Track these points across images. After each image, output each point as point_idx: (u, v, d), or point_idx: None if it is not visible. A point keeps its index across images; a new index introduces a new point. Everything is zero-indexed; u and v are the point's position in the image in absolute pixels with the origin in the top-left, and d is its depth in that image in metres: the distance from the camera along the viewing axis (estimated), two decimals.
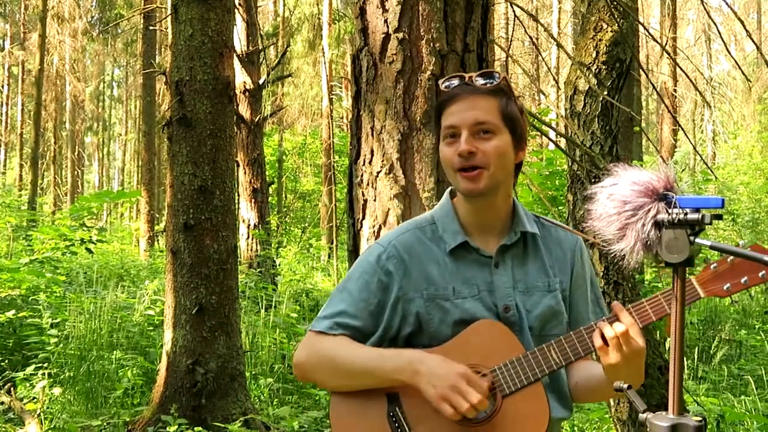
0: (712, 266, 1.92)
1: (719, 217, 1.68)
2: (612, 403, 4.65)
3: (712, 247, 1.68)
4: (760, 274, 1.89)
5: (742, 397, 6.86)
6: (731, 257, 1.91)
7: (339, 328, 2.06)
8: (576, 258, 2.16)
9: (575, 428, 6.20)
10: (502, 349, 1.95)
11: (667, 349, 7.12)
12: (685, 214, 1.65)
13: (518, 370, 1.93)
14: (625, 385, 1.92)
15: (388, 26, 2.81)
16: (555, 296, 2.08)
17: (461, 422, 1.92)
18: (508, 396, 1.93)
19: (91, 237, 10.03)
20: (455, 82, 2.01)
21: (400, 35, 2.79)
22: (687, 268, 1.70)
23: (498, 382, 1.94)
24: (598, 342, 1.91)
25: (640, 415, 1.79)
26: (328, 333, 2.06)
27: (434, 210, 2.17)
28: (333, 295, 2.13)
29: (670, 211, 1.67)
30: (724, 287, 1.91)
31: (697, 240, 1.67)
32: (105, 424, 6.18)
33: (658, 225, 1.68)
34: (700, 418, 1.72)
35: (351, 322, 2.05)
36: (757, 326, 9.82)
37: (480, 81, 2.00)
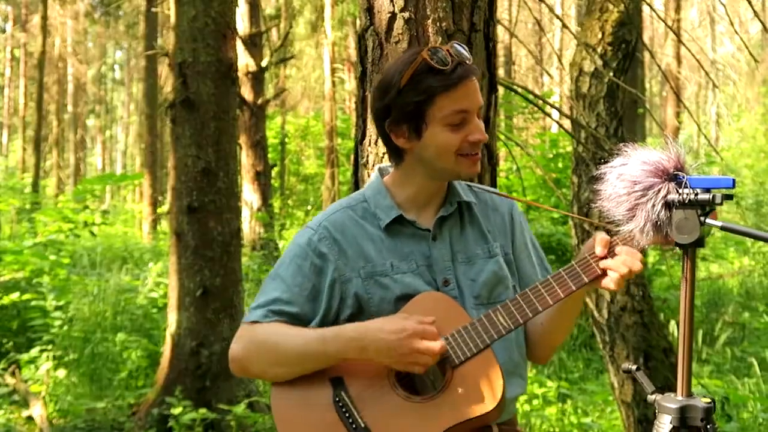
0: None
1: (730, 197, 1.67)
2: (616, 385, 4.66)
3: (723, 228, 1.67)
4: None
5: (746, 379, 6.87)
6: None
7: (274, 315, 1.96)
8: (515, 221, 2.12)
9: (579, 410, 6.22)
10: (448, 319, 1.88)
11: (671, 331, 7.13)
12: (696, 194, 1.64)
13: (466, 339, 1.87)
14: (634, 367, 1.91)
15: (394, 5, 2.78)
16: (497, 261, 2.04)
17: (411, 398, 1.86)
18: (458, 366, 1.86)
19: (94, 219, 10.03)
20: (449, 60, 1.89)
21: (407, 14, 2.76)
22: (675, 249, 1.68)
23: (446, 353, 1.86)
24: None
25: (649, 396, 1.78)
26: (263, 322, 1.96)
27: (363, 189, 2.11)
28: (265, 283, 2.03)
29: (680, 191, 1.66)
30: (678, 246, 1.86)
31: (708, 220, 1.65)
32: (110, 406, 6.21)
33: (668, 205, 1.67)
34: (709, 400, 1.71)
35: (286, 308, 1.96)
36: (760, 309, 9.82)
37: (468, 58, 1.92)
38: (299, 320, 1.97)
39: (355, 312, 1.97)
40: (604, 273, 1.86)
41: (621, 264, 1.83)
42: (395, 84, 1.92)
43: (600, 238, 1.87)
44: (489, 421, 1.91)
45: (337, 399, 1.89)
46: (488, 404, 1.84)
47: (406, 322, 1.84)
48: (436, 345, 1.82)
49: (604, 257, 1.86)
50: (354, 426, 1.86)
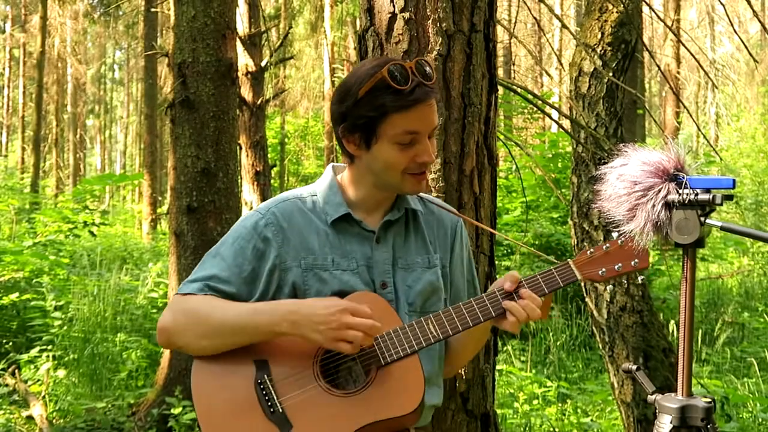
0: (588, 252, 1.95)
1: (730, 197, 1.67)
2: (616, 384, 4.66)
3: (722, 228, 1.67)
4: (632, 263, 1.91)
5: (745, 379, 6.87)
6: (607, 245, 1.93)
7: (210, 290, 1.97)
8: (456, 237, 2.17)
9: (578, 410, 6.21)
10: (381, 320, 1.91)
11: (671, 331, 7.13)
12: (696, 194, 1.65)
13: (395, 342, 1.90)
14: (634, 367, 1.92)
15: (394, 6, 2.78)
16: (435, 272, 2.08)
17: (332, 391, 1.88)
18: (383, 367, 1.89)
19: (93, 220, 10.02)
20: (408, 79, 1.89)
21: (407, 15, 2.77)
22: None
23: (373, 352, 1.90)
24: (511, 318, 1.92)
25: (649, 396, 1.79)
26: (197, 294, 1.97)
27: (315, 183, 2.14)
28: (204, 259, 2.05)
29: (680, 191, 1.66)
30: (599, 272, 1.92)
31: (708, 221, 1.66)
32: (109, 406, 6.20)
33: (668, 205, 1.67)
34: (709, 399, 1.72)
35: (222, 287, 1.97)
36: (760, 309, 9.82)
37: (429, 77, 1.93)
38: (233, 300, 1.97)
39: None
40: (504, 313, 1.92)
41: (521, 309, 1.89)
42: (353, 94, 1.94)
43: (510, 275, 1.94)
44: (406, 425, 1.93)
45: (259, 381, 1.90)
46: (407, 407, 1.87)
47: (336, 300, 1.88)
48: (368, 322, 1.84)
49: (509, 295, 1.92)
50: (272, 409, 1.88)
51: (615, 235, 1.86)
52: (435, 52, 2.75)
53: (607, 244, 1.93)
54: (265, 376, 1.91)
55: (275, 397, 1.89)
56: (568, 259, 1.96)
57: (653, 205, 1.68)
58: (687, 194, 1.65)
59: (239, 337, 1.91)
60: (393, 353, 1.90)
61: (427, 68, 1.93)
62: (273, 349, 1.92)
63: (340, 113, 1.98)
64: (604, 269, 1.92)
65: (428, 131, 1.95)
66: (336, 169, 2.14)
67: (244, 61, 11.99)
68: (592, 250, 1.93)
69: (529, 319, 1.88)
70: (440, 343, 2.08)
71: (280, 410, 1.87)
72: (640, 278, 1.91)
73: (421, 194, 2.16)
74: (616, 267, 1.92)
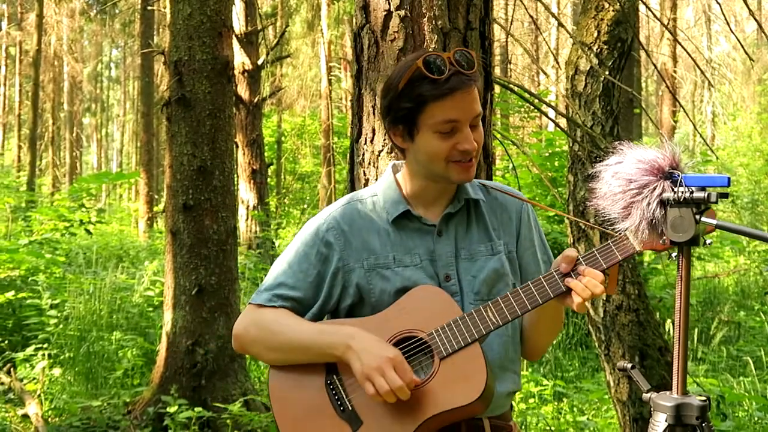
0: None
1: (725, 195, 1.67)
2: (612, 383, 4.66)
3: (717, 226, 1.67)
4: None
5: (741, 378, 6.88)
6: None
7: (279, 300, 2.06)
8: (523, 220, 2.16)
9: (575, 409, 6.22)
10: (441, 312, 1.95)
11: (667, 330, 7.14)
12: (691, 192, 1.64)
13: (455, 332, 1.93)
14: (629, 365, 1.92)
15: (389, 3, 2.78)
16: (499, 259, 2.09)
17: None
18: (446, 358, 1.92)
19: (90, 218, 10.01)
20: (445, 70, 1.92)
21: (402, 12, 2.76)
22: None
23: (435, 344, 1.93)
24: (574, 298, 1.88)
25: (644, 394, 1.79)
26: (268, 305, 2.06)
27: (375, 184, 2.18)
28: (273, 267, 2.14)
29: (675, 189, 1.66)
30: (660, 240, 1.84)
31: (703, 218, 1.66)
32: (105, 404, 6.19)
33: (663, 203, 1.67)
34: (704, 398, 1.71)
35: (290, 293, 2.06)
36: (756, 307, 9.83)
37: (467, 69, 1.94)
38: (301, 305, 2.06)
39: (356, 301, 2.06)
40: (569, 291, 1.89)
41: (583, 286, 1.86)
42: (394, 87, 1.99)
43: (565, 253, 1.91)
44: (476, 413, 1.95)
45: (329, 382, 1.98)
46: (471, 395, 1.88)
47: (394, 351, 1.90)
48: (399, 382, 1.86)
49: (568, 274, 1.90)
50: (342, 408, 1.95)
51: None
52: (430, 50, 2.75)
53: None
54: (334, 376, 1.98)
55: (344, 396, 1.96)
56: (626, 231, 1.89)
57: (648, 203, 1.67)
58: (682, 192, 1.65)
59: (305, 355, 2.00)
60: (454, 343, 1.92)
61: (467, 57, 1.95)
62: None
63: (384, 108, 2.04)
64: (665, 236, 1.83)
65: (468, 119, 1.96)
66: (395, 168, 2.17)
67: (240, 59, 11.99)
68: None
69: (594, 295, 1.84)
70: (514, 329, 2.10)
71: (350, 408, 1.95)
72: (707, 242, 1.82)
73: (484, 182, 2.19)
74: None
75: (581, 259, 1.90)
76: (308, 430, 1.98)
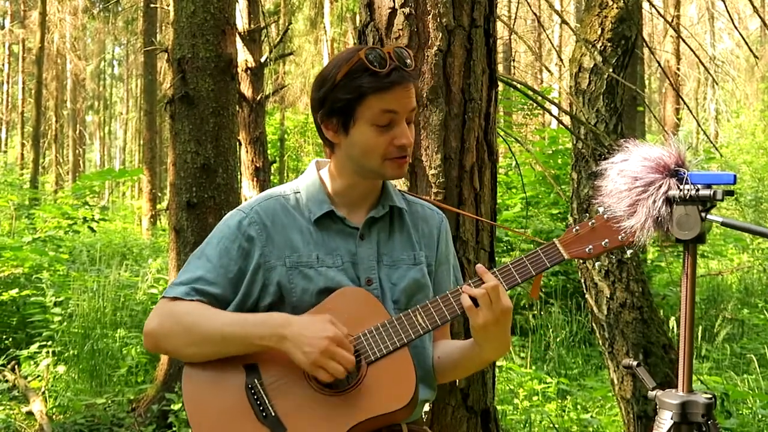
0: (574, 229, 1.93)
1: (731, 193, 1.67)
2: (615, 381, 4.66)
3: (723, 224, 1.67)
4: (619, 237, 1.88)
5: (745, 375, 6.88)
6: (593, 221, 1.92)
7: (196, 294, 1.96)
8: (441, 236, 2.15)
9: (578, 406, 6.22)
10: (368, 315, 1.91)
11: (670, 327, 7.13)
12: (697, 190, 1.64)
13: (383, 336, 1.89)
14: (634, 363, 1.92)
15: (394, 1, 2.78)
16: (421, 269, 2.07)
17: (324, 391, 1.87)
18: (374, 363, 1.88)
19: (93, 215, 10.01)
20: (386, 62, 1.91)
21: (407, 10, 2.76)
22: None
23: (363, 348, 1.89)
24: (467, 302, 1.87)
25: (650, 392, 1.79)
26: (184, 299, 1.95)
27: (298, 180, 2.14)
28: (189, 261, 2.04)
29: (681, 187, 1.66)
30: (586, 249, 1.91)
31: (709, 216, 1.65)
32: (109, 402, 6.20)
33: (669, 201, 1.67)
34: (710, 395, 1.71)
35: (209, 288, 1.96)
36: (759, 305, 9.82)
37: (408, 64, 1.94)
38: (219, 301, 1.97)
39: (276, 300, 1.98)
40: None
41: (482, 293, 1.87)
42: (331, 78, 1.95)
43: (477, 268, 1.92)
44: (399, 420, 1.92)
45: (250, 386, 1.89)
46: (400, 402, 1.85)
47: (330, 326, 1.85)
48: (350, 357, 1.83)
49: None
50: (264, 414, 1.87)
51: (601, 209, 1.84)
52: (435, 48, 2.75)
53: (593, 220, 1.91)
54: (256, 380, 1.90)
55: (267, 401, 1.87)
56: (554, 239, 1.95)
57: (654, 201, 1.67)
58: (688, 190, 1.65)
59: (226, 347, 1.90)
60: (382, 348, 1.88)
61: (406, 55, 1.95)
62: (262, 353, 1.90)
63: (318, 99, 1.99)
64: (590, 246, 1.91)
65: (405, 113, 1.94)
66: (319, 164, 2.14)
67: (243, 56, 11.98)
68: (577, 227, 1.92)
69: (492, 306, 1.85)
70: (427, 339, 2.07)
71: (273, 414, 1.86)
72: (628, 252, 1.88)
73: (404, 192, 2.17)
74: (603, 243, 1.90)
75: (496, 271, 1.91)
76: None
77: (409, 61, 1.94)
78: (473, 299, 1.86)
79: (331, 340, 1.82)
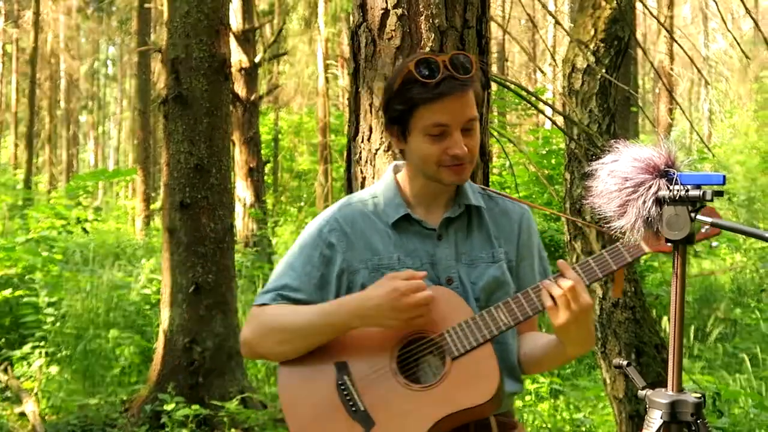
0: None
1: (720, 193, 1.67)
2: (608, 380, 4.67)
3: (713, 224, 1.68)
4: (702, 230, 1.89)
5: (737, 375, 6.90)
6: None
7: (283, 300, 2.04)
8: (522, 229, 2.16)
9: (571, 406, 6.23)
10: (452, 313, 1.95)
11: (663, 327, 7.15)
12: (687, 190, 1.65)
13: (467, 333, 1.93)
14: (625, 362, 1.92)
15: (387, 1, 2.78)
16: (500, 267, 2.08)
17: (410, 386, 1.92)
18: (458, 358, 1.92)
19: (86, 216, 10.01)
20: (437, 73, 1.92)
21: (399, 11, 2.76)
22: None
23: (447, 345, 1.93)
24: (547, 302, 1.90)
25: (639, 392, 1.79)
26: (271, 305, 2.05)
27: (376, 184, 2.18)
28: (276, 269, 2.13)
29: (671, 187, 1.66)
30: (667, 242, 1.90)
31: (698, 217, 1.66)
32: (102, 402, 6.20)
33: (659, 202, 1.67)
34: (699, 395, 1.72)
35: (294, 295, 2.04)
36: (752, 305, 9.84)
37: (462, 74, 1.94)
38: None
39: None
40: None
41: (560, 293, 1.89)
42: (389, 88, 2.01)
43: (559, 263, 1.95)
44: (485, 414, 1.96)
45: (340, 383, 1.96)
46: (484, 396, 1.89)
47: (394, 283, 1.90)
48: (428, 293, 1.89)
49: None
50: (354, 409, 1.93)
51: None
52: (427, 49, 2.76)
53: None
54: (345, 377, 1.96)
55: (356, 397, 1.94)
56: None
57: (644, 201, 1.68)
58: (677, 190, 1.65)
59: (314, 338, 1.98)
60: (466, 344, 1.92)
61: (462, 61, 1.95)
62: (351, 351, 1.98)
63: (383, 108, 2.06)
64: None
65: (459, 123, 1.95)
66: (396, 168, 2.18)
67: (237, 57, 11.98)
68: None
69: (570, 305, 1.87)
70: (511, 335, 2.09)
71: (362, 408, 1.93)
72: (713, 244, 1.88)
73: (485, 188, 2.19)
74: None
75: (576, 266, 1.93)
76: (320, 430, 1.96)
77: (467, 67, 1.95)
78: (553, 297, 1.90)
79: (402, 293, 1.88)
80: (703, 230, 1.89)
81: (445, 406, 1.89)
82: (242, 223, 12.39)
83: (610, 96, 4.85)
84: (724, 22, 5.20)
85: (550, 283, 1.91)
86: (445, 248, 2.06)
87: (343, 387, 1.95)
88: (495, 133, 4.77)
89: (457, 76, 1.93)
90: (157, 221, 18.77)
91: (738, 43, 5.04)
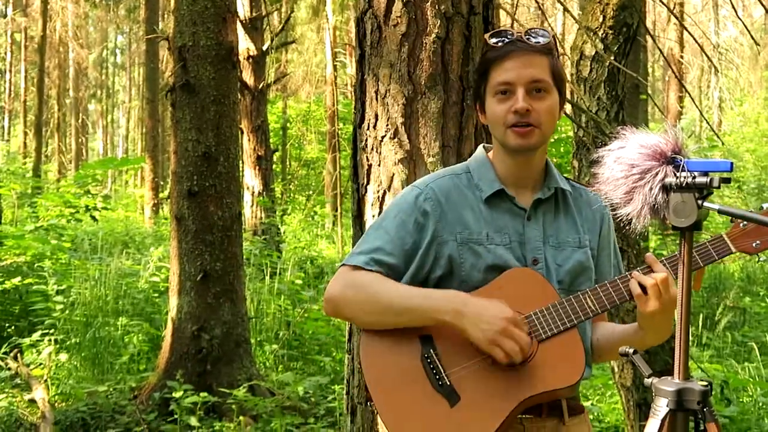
0: (741, 224, 1.97)
1: (727, 180, 1.66)
2: (616, 369, 4.66)
3: (720, 211, 1.66)
4: (753, 245, 1.92)
5: (746, 363, 6.88)
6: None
7: (375, 264, 2.04)
8: (604, 221, 2.20)
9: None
10: (537, 296, 1.98)
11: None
12: (694, 177, 1.63)
13: (554, 316, 1.96)
14: (631, 350, 1.92)
15: None
16: (585, 252, 2.12)
17: (496, 365, 1.94)
18: (544, 341, 1.96)
19: (95, 204, 10.03)
20: (505, 38, 2.01)
21: None
22: (695, 231, 1.68)
23: (534, 326, 1.96)
24: (636, 290, 1.94)
25: (646, 380, 1.79)
26: (365, 268, 2.04)
27: (468, 161, 2.21)
28: (368, 233, 2.14)
29: (678, 174, 1.65)
30: (753, 244, 1.97)
31: (705, 204, 1.65)
32: (111, 389, 6.22)
33: (665, 188, 1.66)
34: (705, 383, 1.71)
35: (387, 259, 2.05)
36: (761, 293, 9.82)
37: (533, 39, 2.01)
38: (395, 272, 2.06)
39: (446, 274, 2.06)
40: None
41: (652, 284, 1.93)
42: (474, 67, 2.16)
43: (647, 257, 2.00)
44: (563, 395, 2.01)
45: (426, 355, 1.98)
46: (570, 379, 1.95)
47: (508, 309, 1.93)
48: (526, 337, 1.92)
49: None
50: (440, 383, 1.95)
51: (766, 205, 1.89)
52: (433, 35, 2.74)
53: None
54: (431, 350, 1.98)
55: (442, 370, 1.95)
56: (722, 232, 1.99)
57: (650, 188, 1.66)
58: (684, 177, 1.64)
59: (407, 317, 1.99)
60: (553, 327, 1.96)
61: (535, 32, 2.03)
62: (437, 327, 1.99)
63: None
64: (758, 241, 1.96)
65: (523, 82, 2.00)
66: (486, 148, 2.21)
67: (245, 45, 11.96)
68: (744, 222, 1.95)
69: (661, 295, 1.92)
70: (587, 323, 2.12)
71: (448, 383, 1.95)
72: (761, 259, 1.93)
73: (569, 178, 2.22)
74: None
75: (665, 261, 1.98)
76: (401, 399, 1.97)
77: (538, 38, 2.02)
78: (642, 287, 1.93)
79: (508, 321, 1.91)
80: (753, 245, 1.96)
81: (531, 386, 1.93)
82: (251, 212, 12.39)
83: (618, 83, 4.82)
84: (735, 10, 5.17)
85: (639, 274, 1.95)
86: (534, 229, 2.08)
87: (428, 360, 1.97)
88: None
89: (524, 40, 2.00)
90: (166, 209, 18.81)
91: (748, 31, 5.00)
